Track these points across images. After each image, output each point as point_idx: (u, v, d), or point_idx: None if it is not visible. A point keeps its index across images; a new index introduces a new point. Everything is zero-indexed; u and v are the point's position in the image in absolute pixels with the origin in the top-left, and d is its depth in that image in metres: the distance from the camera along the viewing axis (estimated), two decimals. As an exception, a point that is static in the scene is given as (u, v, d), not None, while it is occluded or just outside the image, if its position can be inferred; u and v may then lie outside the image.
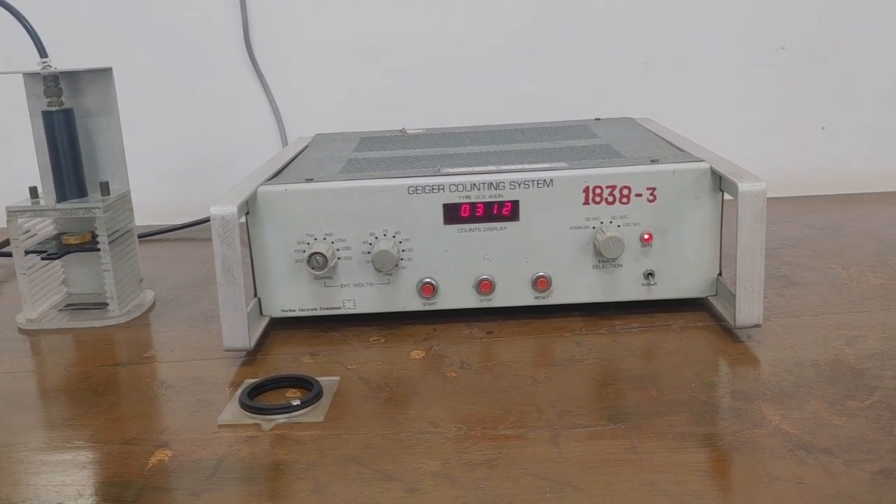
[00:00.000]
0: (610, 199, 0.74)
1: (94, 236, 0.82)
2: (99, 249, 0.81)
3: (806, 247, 0.95)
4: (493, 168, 0.76)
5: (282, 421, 0.61)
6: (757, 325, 0.70)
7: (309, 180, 0.76)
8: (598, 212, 0.74)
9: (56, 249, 0.82)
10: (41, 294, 0.85)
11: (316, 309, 0.77)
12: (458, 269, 0.76)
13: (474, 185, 0.74)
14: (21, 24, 0.79)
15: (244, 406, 0.62)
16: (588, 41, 1.19)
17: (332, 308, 0.77)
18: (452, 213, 0.74)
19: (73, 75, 0.83)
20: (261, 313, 0.77)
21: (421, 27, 1.20)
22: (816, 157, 1.22)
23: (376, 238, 0.75)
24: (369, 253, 0.75)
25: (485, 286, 0.76)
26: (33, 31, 0.80)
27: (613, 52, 1.20)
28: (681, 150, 0.81)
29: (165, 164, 1.25)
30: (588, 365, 0.67)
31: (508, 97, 1.21)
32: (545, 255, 0.75)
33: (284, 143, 1.21)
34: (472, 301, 0.76)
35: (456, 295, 0.76)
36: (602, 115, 1.13)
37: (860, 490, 0.49)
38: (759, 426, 0.56)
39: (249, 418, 0.61)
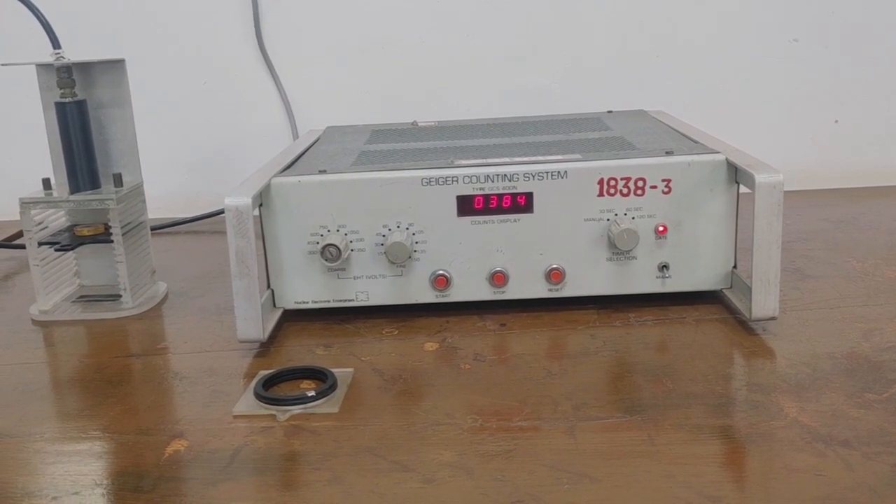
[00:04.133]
0: (624, 190, 0.74)
1: (107, 228, 0.82)
2: (112, 241, 0.81)
3: (820, 240, 0.94)
4: (506, 160, 0.76)
5: (297, 412, 0.61)
6: (773, 318, 0.70)
7: (322, 172, 0.75)
8: (613, 204, 0.74)
9: (69, 241, 0.82)
10: (54, 285, 0.85)
11: (329, 301, 0.77)
12: (471, 261, 0.75)
13: (488, 176, 0.74)
14: (34, 15, 0.79)
15: (259, 397, 0.62)
16: (599, 34, 1.19)
17: (346, 300, 0.76)
18: (466, 205, 0.74)
19: (86, 67, 0.83)
20: (274, 305, 0.77)
21: (431, 20, 1.19)
22: (829, 151, 1.22)
23: (390, 230, 0.75)
24: (383, 245, 0.75)
25: (498, 278, 0.75)
26: (46, 22, 0.80)
27: (625, 44, 1.19)
28: (695, 141, 0.81)
29: (176, 158, 1.25)
30: (602, 357, 0.67)
31: (519, 90, 1.21)
32: (559, 248, 0.75)
33: (295, 136, 1.21)
34: (485, 293, 0.76)
35: (469, 287, 0.76)
36: (614, 108, 1.13)
37: (879, 482, 0.48)
38: (776, 418, 0.56)
39: (264, 409, 0.61)
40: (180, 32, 1.21)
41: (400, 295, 0.76)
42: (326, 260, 0.73)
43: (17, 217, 0.81)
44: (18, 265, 1.02)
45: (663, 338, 0.70)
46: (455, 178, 0.74)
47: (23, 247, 0.96)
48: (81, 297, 0.87)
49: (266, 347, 0.73)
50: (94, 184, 0.84)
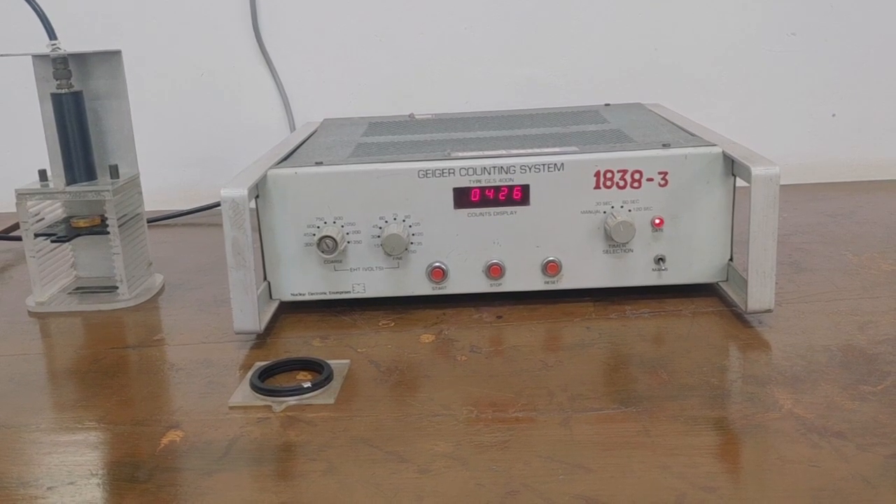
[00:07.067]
0: (621, 183, 0.74)
1: (104, 219, 0.82)
2: (108, 233, 0.81)
3: (816, 233, 0.94)
4: (503, 152, 0.76)
5: (293, 403, 0.61)
6: (768, 311, 0.70)
7: (319, 164, 0.75)
8: (609, 196, 0.74)
9: (65, 232, 0.82)
10: (50, 277, 0.85)
11: (325, 293, 0.77)
12: (467, 253, 0.75)
13: (484, 168, 0.74)
14: (30, 5, 0.79)
15: (255, 388, 0.62)
16: (597, 26, 1.19)
17: (342, 292, 0.76)
18: (462, 197, 0.74)
19: (82, 58, 0.83)
20: (270, 297, 0.77)
21: (429, 12, 1.19)
22: (827, 144, 1.22)
23: (386, 222, 0.75)
24: (379, 237, 0.75)
25: (495, 271, 0.75)
26: (42, 13, 0.79)
27: (623, 37, 1.19)
28: (692, 134, 0.81)
29: (173, 150, 1.24)
30: (598, 349, 0.67)
31: (517, 83, 1.21)
32: (555, 240, 0.75)
33: (292, 128, 1.21)
34: (481, 286, 0.76)
35: (466, 279, 0.76)
36: (611, 101, 1.13)
37: (873, 473, 0.49)
38: (771, 410, 0.56)
39: (260, 400, 0.61)
40: (178, 24, 1.21)
41: (396, 287, 0.76)
42: (323, 252, 0.73)
43: (14, 209, 0.81)
44: (15, 257, 1.02)
45: (659, 330, 0.70)
46: (452, 171, 0.74)
47: (19, 238, 0.96)
48: (78, 288, 0.87)
49: (262, 339, 0.73)
50: (90, 175, 0.84)
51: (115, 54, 0.83)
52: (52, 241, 0.82)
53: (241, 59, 1.21)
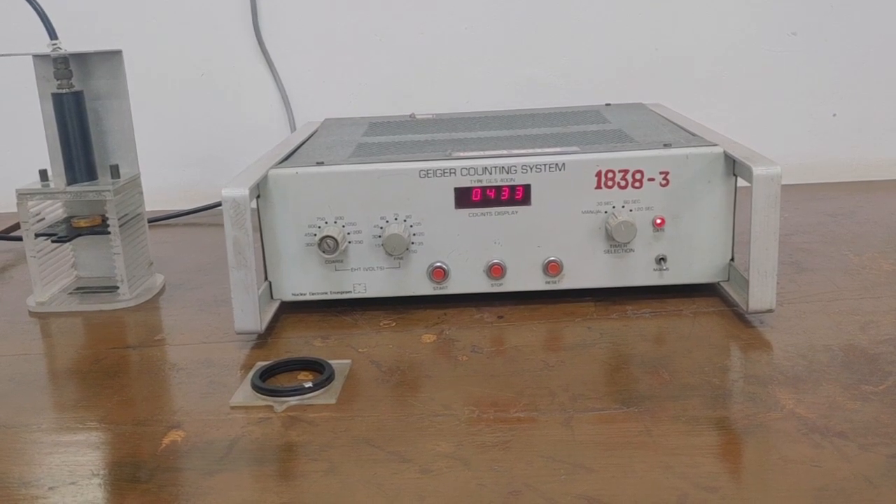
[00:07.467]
0: (622, 183, 0.74)
1: (105, 219, 0.82)
2: (109, 233, 0.81)
3: (817, 233, 0.94)
4: (504, 152, 0.76)
5: (294, 403, 0.61)
6: (770, 311, 0.70)
7: (320, 164, 0.75)
8: (611, 196, 0.74)
9: (66, 232, 0.82)
10: (51, 277, 0.85)
11: (326, 293, 0.76)
12: (469, 253, 0.75)
13: (486, 168, 0.74)
14: (31, 5, 0.79)
15: (256, 388, 0.62)
16: (597, 26, 1.19)
17: (343, 292, 0.76)
18: (464, 197, 0.74)
19: (82, 57, 0.83)
20: (271, 297, 0.77)
21: (429, 12, 1.19)
22: (827, 144, 1.22)
23: (387, 222, 0.75)
24: (380, 237, 0.75)
25: (496, 270, 0.75)
26: (43, 13, 0.79)
27: (623, 37, 1.19)
28: (693, 134, 0.81)
29: (173, 150, 1.24)
30: (600, 349, 0.67)
31: (517, 83, 1.21)
32: (557, 240, 0.75)
33: (293, 128, 1.21)
34: (482, 285, 0.76)
35: (467, 279, 0.76)
36: (612, 101, 1.13)
37: (875, 473, 0.49)
38: (773, 410, 0.56)
39: (261, 400, 0.61)
40: (177, 24, 1.21)
41: (397, 287, 0.76)
42: (324, 252, 0.73)
43: (14, 209, 0.81)
44: (15, 257, 1.02)
45: (660, 330, 0.70)
46: (453, 171, 0.74)
47: (20, 238, 0.96)
48: (78, 288, 0.87)
49: (263, 339, 0.73)
50: (91, 175, 0.84)
51: (115, 54, 0.83)
52: (53, 241, 0.82)
53: (241, 59, 1.21)
